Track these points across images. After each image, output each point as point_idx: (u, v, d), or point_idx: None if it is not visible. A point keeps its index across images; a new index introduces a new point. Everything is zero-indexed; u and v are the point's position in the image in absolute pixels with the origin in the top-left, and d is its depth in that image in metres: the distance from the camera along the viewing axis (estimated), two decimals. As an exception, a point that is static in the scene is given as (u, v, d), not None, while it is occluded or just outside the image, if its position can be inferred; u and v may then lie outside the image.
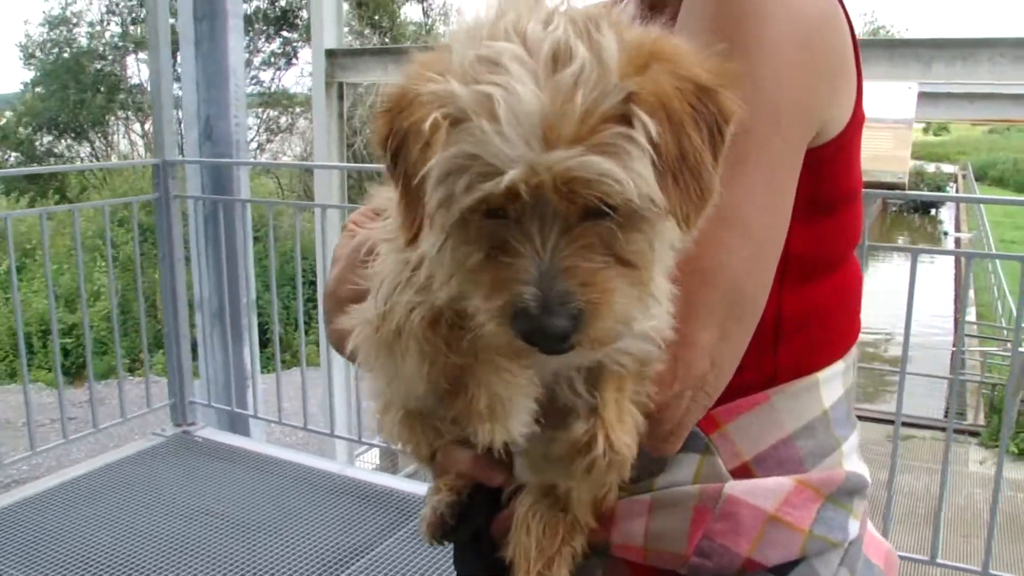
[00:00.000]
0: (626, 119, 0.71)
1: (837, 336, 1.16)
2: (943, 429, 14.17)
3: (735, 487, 1.05)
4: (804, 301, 1.09)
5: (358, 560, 3.63)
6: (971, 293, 25.58)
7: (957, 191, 49.57)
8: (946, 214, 48.64)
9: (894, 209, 52.04)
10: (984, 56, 5.87)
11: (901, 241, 36.36)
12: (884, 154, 3.28)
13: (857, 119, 1.07)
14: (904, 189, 3.26)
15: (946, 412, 15.72)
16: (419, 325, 0.84)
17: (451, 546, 1.27)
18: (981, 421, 15.35)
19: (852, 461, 1.15)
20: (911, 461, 12.13)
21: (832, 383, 1.13)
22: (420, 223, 0.75)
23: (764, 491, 1.05)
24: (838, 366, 1.14)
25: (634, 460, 0.96)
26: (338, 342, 1.12)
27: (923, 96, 8.82)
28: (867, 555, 1.16)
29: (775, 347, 1.07)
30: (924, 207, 51.38)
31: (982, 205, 36.93)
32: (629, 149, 0.71)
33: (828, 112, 1.02)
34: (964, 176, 54.34)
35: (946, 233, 44.19)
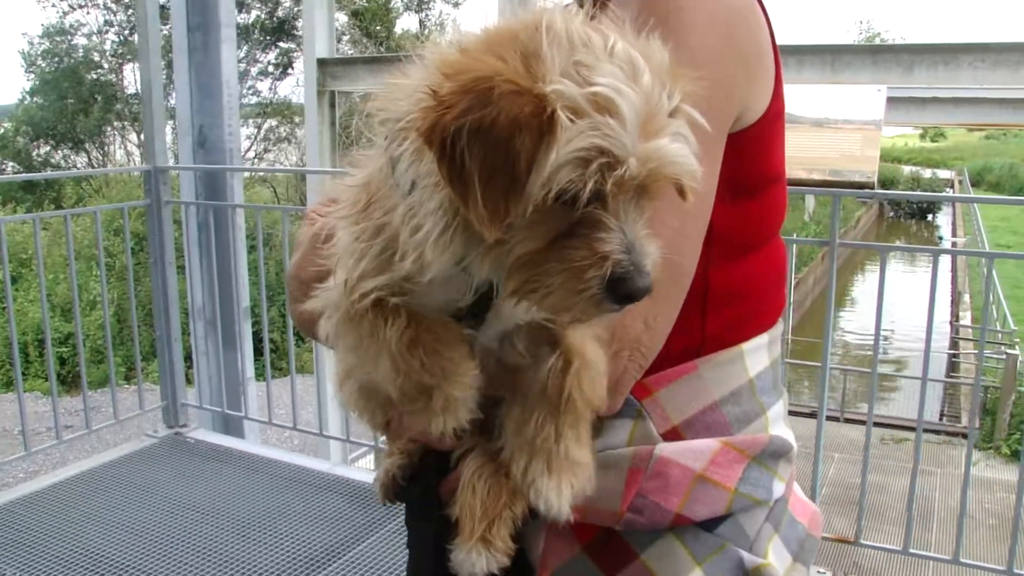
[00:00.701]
0: (672, 114, 0.85)
1: (761, 311, 1.25)
2: (937, 432, 14.25)
3: (665, 448, 1.13)
4: (730, 277, 1.18)
5: (347, 553, 3.70)
6: (967, 297, 25.70)
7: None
8: (943, 220, 48.79)
9: (891, 215, 52.20)
10: (965, 61, 5.95)
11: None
12: (854, 154, 3.40)
13: (775, 109, 1.16)
14: (872, 188, 3.38)
15: (941, 415, 15.81)
16: (369, 316, 0.96)
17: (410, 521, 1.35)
18: (976, 424, 15.38)
19: (778, 427, 1.23)
20: (905, 463, 12.20)
21: (756, 354, 1.22)
22: (509, 211, 0.80)
23: (692, 452, 1.13)
24: (762, 339, 1.23)
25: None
26: (302, 323, 1.20)
27: (911, 101, 8.93)
28: (793, 514, 1.24)
29: (702, 318, 1.16)
30: (921, 213, 51.58)
31: (978, 211, 37.08)
32: (688, 137, 0.86)
33: (747, 98, 1.12)
34: (960, 181, 54.44)
35: (941, 238, 44.33)
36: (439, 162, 0.79)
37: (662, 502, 1.11)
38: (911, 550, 3.37)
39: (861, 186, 3.39)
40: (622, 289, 0.83)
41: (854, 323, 23.72)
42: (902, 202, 51.31)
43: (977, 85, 6.11)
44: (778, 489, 1.20)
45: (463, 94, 0.79)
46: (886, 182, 52.35)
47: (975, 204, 39.33)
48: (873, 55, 6.33)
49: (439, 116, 0.79)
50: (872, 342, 3.61)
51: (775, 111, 1.16)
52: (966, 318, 23.43)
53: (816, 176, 3.44)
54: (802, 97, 3.81)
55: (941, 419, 15.48)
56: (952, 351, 19.41)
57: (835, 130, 3.53)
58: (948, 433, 13.91)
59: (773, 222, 1.24)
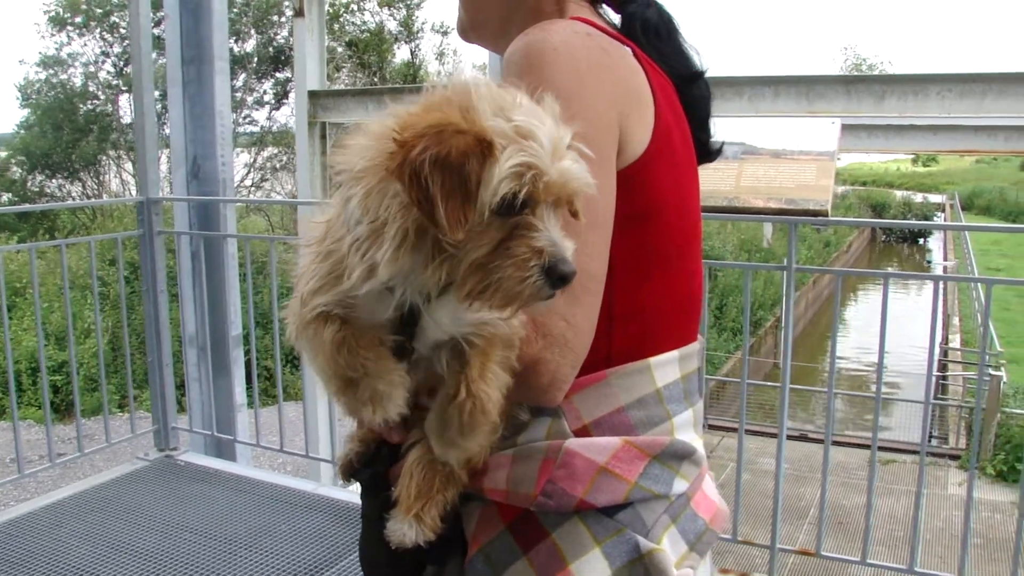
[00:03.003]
0: (568, 147, 1.10)
1: (667, 330, 1.42)
2: (925, 453, 14.36)
3: (573, 443, 1.31)
4: (632, 297, 1.36)
5: (329, 569, 3.82)
6: (956, 320, 25.89)
7: (945, 220, 50.32)
8: (935, 244, 49.21)
9: (883, 239, 52.60)
10: (933, 90, 6.17)
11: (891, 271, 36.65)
12: (809, 183, 3.61)
13: (654, 147, 1.35)
14: (827, 216, 3.58)
15: (929, 437, 15.93)
16: (315, 323, 1.17)
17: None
18: (962, 445, 15.54)
19: (684, 432, 1.41)
20: (892, 484, 12.34)
21: (665, 368, 1.40)
22: (467, 218, 1.02)
23: (597, 447, 1.32)
24: (672, 355, 1.41)
25: (502, 414, 1.24)
26: None
27: (889, 128, 9.17)
28: (695, 510, 1.42)
29: (609, 333, 1.34)
30: (913, 237, 52.06)
31: (968, 235, 37.43)
32: (582, 162, 1.11)
33: (625, 132, 1.31)
34: (951, 206, 54.90)
35: (930, 262, 44.69)
36: (409, 189, 1.02)
37: (568, 489, 1.29)
38: (869, 560, 3.62)
39: (815, 214, 3.58)
40: (556, 273, 1.04)
41: (845, 347, 23.91)
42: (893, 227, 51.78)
43: (945, 114, 6.32)
44: (679, 486, 1.38)
45: (421, 138, 1.02)
46: (878, 206, 52.91)
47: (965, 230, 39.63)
48: (846, 85, 6.54)
49: (405, 155, 1.02)
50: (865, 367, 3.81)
51: (654, 148, 1.34)
52: (955, 340, 23.62)
53: (773, 204, 3.63)
54: (761, 130, 4.00)
55: (929, 440, 15.61)
56: (941, 373, 19.54)
57: (792, 161, 3.73)
58: (935, 455, 14.05)
59: (668, 248, 1.40)
